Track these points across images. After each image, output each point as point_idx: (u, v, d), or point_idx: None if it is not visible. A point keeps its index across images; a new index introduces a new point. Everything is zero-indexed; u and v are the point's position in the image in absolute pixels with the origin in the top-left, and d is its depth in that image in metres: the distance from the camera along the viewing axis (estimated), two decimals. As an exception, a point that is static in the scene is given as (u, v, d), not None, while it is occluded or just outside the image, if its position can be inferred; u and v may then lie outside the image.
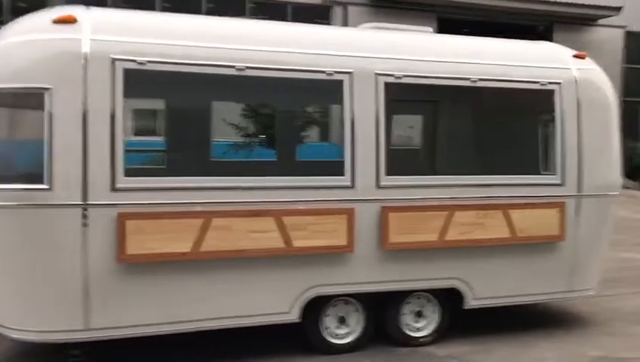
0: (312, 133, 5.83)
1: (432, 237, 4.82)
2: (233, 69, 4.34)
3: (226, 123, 5.34)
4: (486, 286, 5.14)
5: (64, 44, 4.05)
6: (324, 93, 4.73)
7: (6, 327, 4.14)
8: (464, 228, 4.91)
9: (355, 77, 4.63)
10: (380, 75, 4.70)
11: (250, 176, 4.46)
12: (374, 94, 4.68)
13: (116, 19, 4.37)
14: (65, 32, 4.09)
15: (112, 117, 4.07)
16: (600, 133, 5.45)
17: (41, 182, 3.96)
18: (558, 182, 5.23)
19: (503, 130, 5.48)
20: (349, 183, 4.62)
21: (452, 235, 4.88)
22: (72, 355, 4.41)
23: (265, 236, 4.39)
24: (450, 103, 5.26)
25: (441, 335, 5.15)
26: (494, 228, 5.00)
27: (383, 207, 4.69)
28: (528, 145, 5.56)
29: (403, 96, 5.02)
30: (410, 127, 6.13)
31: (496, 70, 5.08)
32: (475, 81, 4.98)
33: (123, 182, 4.09)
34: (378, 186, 4.69)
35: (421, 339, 5.09)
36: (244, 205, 4.35)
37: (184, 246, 4.21)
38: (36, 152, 3.99)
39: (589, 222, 5.39)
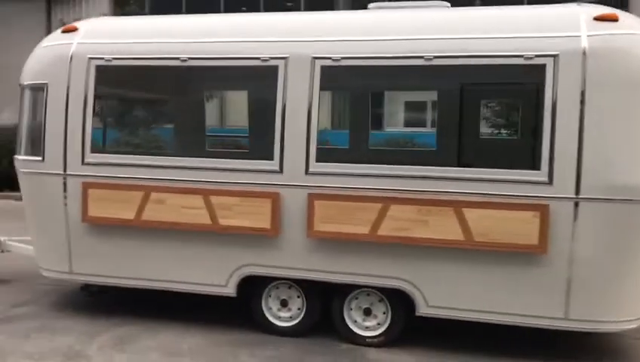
0: (251, 119, 5.75)
1: (362, 229, 4.48)
2: (178, 60, 4.86)
3: (175, 109, 5.78)
4: (442, 295, 4.49)
5: (61, 49, 5.18)
6: (261, 79, 4.79)
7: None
8: (401, 223, 4.41)
9: (291, 62, 4.62)
10: (316, 58, 4.58)
11: (185, 157, 4.90)
12: (309, 79, 4.59)
13: (100, 25, 5.31)
14: (65, 39, 5.23)
15: (85, 104, 5.05)
16: (629, 119, 4.13)
17: (38, 154, 5.20)
18: (543, 179, 4.19)
19: (473, 115, 4.55)
20: (277, 168, 4.66)
21: (386, 230, 4.44)
22: (89, 291, 5.63)
23: (194, 212, 4.80)
24: (404, 84, 4.63)
25: (391, 339, 4.72)
26: (441, 227, 4.34)
27: (310, 194, 4.58)
28: (508, 133, 4.52)
29: (346, 79, 4.71)
30: (355, 112, 5.44)
31: (460, 45, 4.34)
32: (429, 59, 4.37)
33: (89, 157, 5.04)
34: (307, 173, 4.60)
35: (368, 339, 4.76)
36: (178, 182, 4.84)
37: (129, 214, 4.95)
38: (39, 132, 5.23)
39: (600, 234, 4.17)
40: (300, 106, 4.59)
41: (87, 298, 5.70)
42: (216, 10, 18.06)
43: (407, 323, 4.71)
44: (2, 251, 6.42)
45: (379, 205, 4.44)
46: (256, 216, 4.68)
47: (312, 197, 4.57)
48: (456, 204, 4.31)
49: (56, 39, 5.28)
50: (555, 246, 4.20)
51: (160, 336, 4.89)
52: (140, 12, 16.99)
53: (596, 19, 4.23)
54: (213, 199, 4.75)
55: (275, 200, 4.63)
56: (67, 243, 5.18)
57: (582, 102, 4.12)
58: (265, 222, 4.67)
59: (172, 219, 4.85)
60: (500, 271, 4.35)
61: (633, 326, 4.41)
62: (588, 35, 4.17)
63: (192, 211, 4.80)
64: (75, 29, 5.25)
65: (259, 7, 18.10)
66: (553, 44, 4.20)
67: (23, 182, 5.44)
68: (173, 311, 5.40)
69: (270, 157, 4.67)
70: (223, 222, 4.75)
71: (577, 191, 4.15)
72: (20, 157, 5.41)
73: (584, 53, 4.13)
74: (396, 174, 4.45)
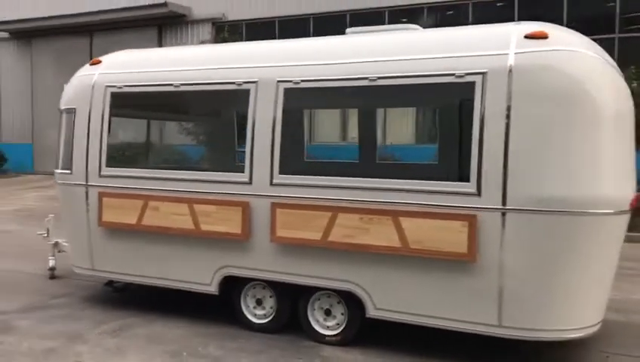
0: (230, 136, 6.22)
1: (316, 236, 4.92)
2: (172, 86, 5.60)
3: (170, 129, 6.40)
4: (388, 298, 4.81)
5: (87, 78, 6.12)
6: (237, 101, 5.37)
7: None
8: (348, 230, 4.80)
9: (260, 85, 5.19)
10: (280, 81, 5.12)
11: (175, 170, 5.60)
12: (274, 100, 5.13)
13: (118, 58, 6.17)
14: (91, 70, 6.17)
15: (102, 125, 5.92)
16: (559, 132, 4.27)
17: (68, 168, 6.14)
18: (472, 191, 4.42)
19: (412, 131, 4.79)
20: (247, 180, 5.22)
21: (335, 237, 4.85)
22: (114, 287, 6.52)
23: (181, 218, 5.49)
24: (354, 103, 4.95)
25: (348, 338, 5.09)
26: (381, 234, 4.68)
27: (273, 203, 5.10)
28: (443, 147, 4.73)
29: (305, 99, 5.17)
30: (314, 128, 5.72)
31: (401, 66, 4.69)
32: (373, 80, 4.76)
33: (104, 170, 5.90)
34: (271, 183, 5.13)
35: (327, 338, 5.16)
36: (169, 192, 5.56)
37: (132, 219, 5.73)
38: (70, 149, 6.18)
39: (528, 244, 4.33)
40: (267, 124, 5.13)
41: (112, 293, 6.57)
42: (306, 34, 19.06)
43: (365, 324, 5.04)
44: (59, 251, 7.50)
45: (329, 213, 4.86)
46: (230, 222, 5.26)
47: (274, 206, 5.08)
48: (394, 213, 4.64)
49: (85, 70, 6.23)
50: (485, 255, 4.40)
51: (153, 326, 5.60)
52: (236, 39, 18.32)
53: (526, 37, 4.41)
54: (196, 207, 5.40)
55: (245, 208, 5.19)
56: (89, 243, 6.07)
57: (507, 117, 4.32)
58: (237, 228, 5.24)
59: (165, 224, 5.56)
60: (438, 277, 4.60)
61: (577, 335, 4.48)
62: (515, 53, 4.37)
63: (179, 217, 5.48)
64: (99, 62, 6.18)
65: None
66: (483, 62, 4.43)
67: (59, 191, 6.43)
68: (178, 305, 6.10)
69: (242, 170, 5.25)
70: (203, 227, 5.38)
71: (504, 203, 4.33)
72: (57, 171, 6.40)
73: (510, 70, 4.33)
74: (343, 185, 4.85)
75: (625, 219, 4.50)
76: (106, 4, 21.25)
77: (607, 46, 16.82)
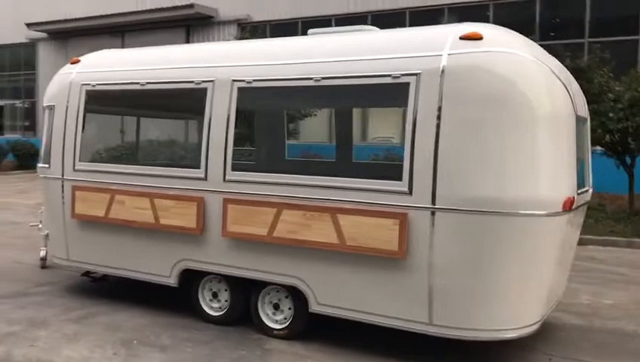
0: (187, 133, 6.33)
1: (262, 231, 5.05)
2: (138, 85, 5.82)
3: (136, 125, 6.59)
4: (329, 293, 4.91)
5: (66, 77, 6.40)
6: (196, 99, 5.52)
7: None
8: (291, 226, 4.91)
9: (216, 84, 5.36)
10: (235, 81, 5.27)
11: (137, 165, 5.81)
12: (229, 99, 5.29)
13: (95, 57, 6.43)
14: (70, 69, 6.44)
15: (77, 121, 6.20)
16: (488, 133, 4.29)
17: (47, 162, 6.44)
18: (404, 189, 4.48)
19: (352, 130, 4.85)
20: (203, 176, 5.39)
21: (280, 232, 4.97)
22: (92, 277, 6.79)
23: (144, 212, 5.70)
24: (301, 103, 5.03)
25: (295, 332, 5.19)
26: (320, 231, 4.78)
27: (225, 199, 5.26)
28: (381, 147, 4.78)
29: (257, 99, 5.30)
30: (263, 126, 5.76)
31: (343, 67, 4.78)
32: (318, 80, 4.87)
33: (78, 165, 6.17)
34: (224, 180, 5.28)
35: (275, 331, 5.28)
36: (133, 187, 5.78)
37: (101, 212, 5.97)
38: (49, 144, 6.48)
39: (456, 243, 4.36)
40: (222, 122, 5.29)
41: (91, 283, 6.84)
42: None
43: (311, 319, 5.14)
44: (51, 243, 7.82)
45: (274, 209, 4.99)
46: (187, 217, 5.44)
47: (226, 202, 5.23)
48: (332, 210, 4.73)
49: (65, 69, 6.52)
50: (415, 253, 4.46)
51: (117, 315, 5.83)
52: (260, 36, 18.57)
53: (461, 38, 4.44)
54: (157, 201, 5.60)
55: (200, 203, 5.37)
56: (64, 235, 6.35)
57: (438, 117, 4.36)
58: (192, 223, 5.41)
59: (129, 217, 5.78)
60: (373, 274, 4.67)
61: (511, 335, 4.48)
62: (449, 54, 4.40)
63: (142, 211, 5.69)
64: (78, 61, 6.46)
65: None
66: (418, 63, 4.49)
67: (42, 185, 6.74)
68: (152, 296, 6.30)
69: (198, 166, 5.42)
70: (163, 221, 5.58)
71: (433, 202, 4.38)
72: (39, 165, 6.71)
73: (442, 71, 4.37)
74: (286, 182, 4.97)
75: (561, 221, 4.46)
76: (137, 5, 21.85)
77: (629, 48, 16.49)
